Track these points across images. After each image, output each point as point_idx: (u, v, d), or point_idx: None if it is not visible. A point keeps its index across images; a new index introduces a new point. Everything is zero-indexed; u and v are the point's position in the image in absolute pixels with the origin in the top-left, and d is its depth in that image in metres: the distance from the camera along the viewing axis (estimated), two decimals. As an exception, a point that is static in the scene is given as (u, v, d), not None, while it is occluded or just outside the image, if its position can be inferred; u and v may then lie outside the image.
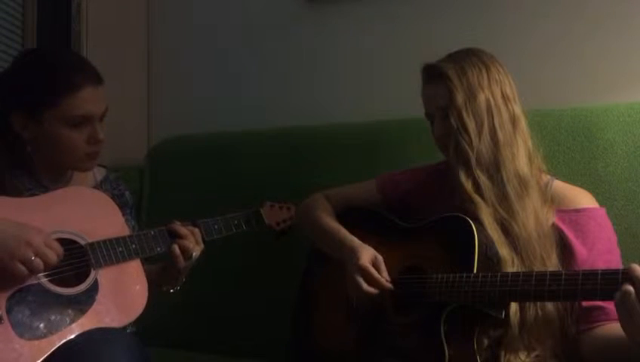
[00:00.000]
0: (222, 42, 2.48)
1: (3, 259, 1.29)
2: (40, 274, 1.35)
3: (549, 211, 1.44)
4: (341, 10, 2.27)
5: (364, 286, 1.42)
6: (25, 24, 2.36)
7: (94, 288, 1.42)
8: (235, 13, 2.47)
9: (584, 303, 1.35)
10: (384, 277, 1.44)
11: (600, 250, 1.39)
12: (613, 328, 1.25)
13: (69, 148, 1.51)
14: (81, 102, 1.49)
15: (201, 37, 2.53)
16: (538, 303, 1.36)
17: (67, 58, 1.59)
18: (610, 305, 1.27)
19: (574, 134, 1.72)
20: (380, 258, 1.46)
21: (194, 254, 1.58)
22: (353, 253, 1.47)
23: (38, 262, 1.31)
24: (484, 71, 1.45)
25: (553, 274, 1.26)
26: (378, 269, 1.45)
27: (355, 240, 1.51)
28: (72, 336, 1.33)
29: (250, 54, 2.43)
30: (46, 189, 1.54)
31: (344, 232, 1.55)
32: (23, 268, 1.30)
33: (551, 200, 1.45)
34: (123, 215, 1.59)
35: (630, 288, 1.12)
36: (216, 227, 1.69)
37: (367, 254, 1.46)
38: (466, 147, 1.42)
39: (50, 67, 1.52)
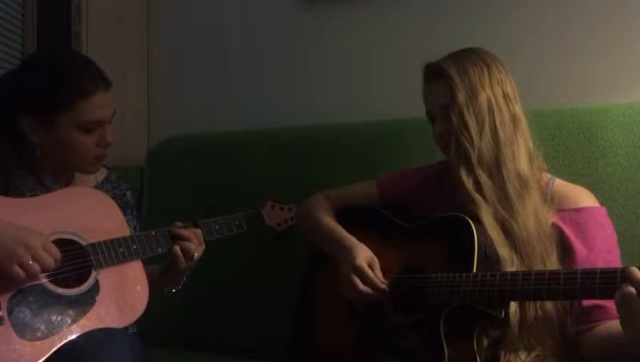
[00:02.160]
0: (222, 42, 2.48)
1: (3, 262, 1.29)
2: (41, 275, 1.35)
3: (549, 211, 1.44)
4: (341, 10, 2.27)
5: (360, 285, 1.43)
6: (25, 24, 2.36)
7: (95, 289, 1.42)
8: (235, 13, 2.47)
9: (584, 302, 1.35)
10: (379, 278, 1.44)
11: (600, 249, 1.39)
12: (615, 325, 1.25)
13: (80, 151, 1.52)
14: (94, 107, 1.50)
15: (201, 37, 2.53)
16: (538, 303, 1.36)
17: (79, 63, 1.58)
18: (610, 304, 1.26)
19: (574, 134, 1.72)
20: (375, 260, 1.47)
21: (195, 255, 1.58)
22: (350, 252, 1.47)
23: (35, 266, 1.31)
24: (485, 70, 1.46)
25: (552, 273, 1.26)
26: (373, 270, 1.45)
27: (353, 240, 1.51)
28: (73, 337, 1.33)
29: (250, 54, 2.43)
30: (48, 189, 1.54)
31: (342, 231, 1.56)
32: (20, 271, 1.30)
33: (551, 199, 1.46)
34: (124, 215, 1.59)
35: (632, 289, 1.12)
36: (217, 227, 1.69)
37: (363, 254, 1.46)
38: (467, 146, 1.42)
39: (62, 72, 1.52)
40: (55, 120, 1.49)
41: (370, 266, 1.45)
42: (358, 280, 1.43)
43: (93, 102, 1.49)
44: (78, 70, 1.53)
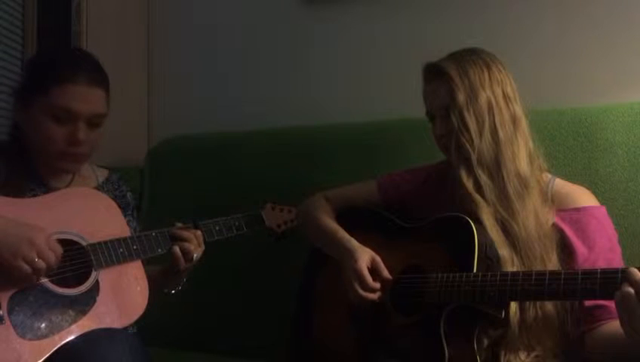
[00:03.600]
0: (222, 42, 2.48)
1: (6, 258, 1.29)
2: (42, 274, 1.35)
3: (549, 211, 1.44)
4: (340, 10, 2.27)
5: (360, 291, 1.43)
6: (25, 24, 2.35)
7: (95, 289, 1.42)
8: (235, 13, 2.47)
9: (587, 302, 1.35)
10: (385, 276, 1.45)
11: (601, 248, 1.39)
12: (617, 325, 1.24)
13: (46, 140, 1.49)
14: (67, 96, 1.47)
15: (201, 37, 2.53)
16: (538, 303, 1.36)
17: (72, 54, 1.60)
18: (612, 304, 1.26)
19: (574, 134, 1.72)
20: (377, 259, 1.47)
21: (195, 256, 1.58)
22: (351, 256, 1.47)
23: (41, 263, 1.31)
24: (485, 70, 1.46)
25: (552, 273, 1.26)
26: (377, 270, 1.46)
27: (353, 242, 1.51)
28: (73, 337, 1.34)
29: (250, 54, 2.43)
30: (48, 190, 1.54)
31: (342, 233, 1.56)
32: (27, 267, 1.30)
33: (551, 199, 1.46)
34: (125, 216, 1.59)
35: (630, 290, 1.12)
36: (217, 228, 1.69)
37: (364, 257, 1.46)
38: (467, 146, 1.42)
39: (50, 58, 1.54)
40: (32, 101, 1.49)
41: (373, 267, 1.46)
42: (357, 286, 1.43)
43: (69, 91, 1.47)
44: (65, 59, 1.53)
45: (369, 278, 1.43)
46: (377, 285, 1.44)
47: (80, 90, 1.48)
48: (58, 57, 1.55)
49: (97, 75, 1.53)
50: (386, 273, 1.45)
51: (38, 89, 1.48)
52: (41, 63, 1.54)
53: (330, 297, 1.59)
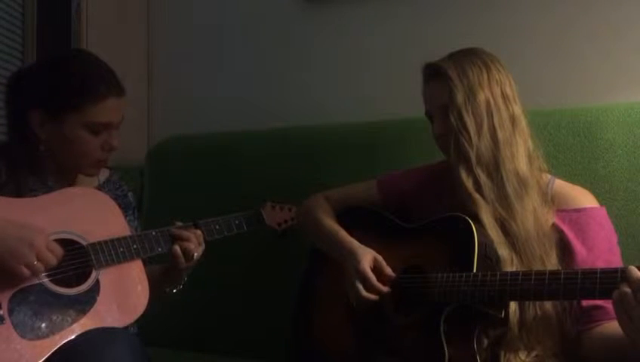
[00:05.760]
0: (222, 42, 2.49)
1: (6, 260, 1.29)
2: (42, 275, 1.36)
3: (549, 211, 1.44)
4: (341, 10, 2.27)
5: (363, 292, 1.43)
6: (25, 24, 2.36)
7: (95, 288, 1.42)
8: (235, 13, 2.47)
9: (584, 303, 1.35)
10: (388, 274, 1.45)
11: (600, 249, 1.39)
12: (614, 326, 1.25)
13: (84, 151, 1.53)
14: (105, 110, 1.51)
15: (201, 37, 2.53)
16: (537, 303, 1.36)
17: (97, 66, 1.58)
18: (609, 304, 1.27)
19: (574, 134, 1.72)
20: (379, 258, 1.47)
21: (195, 255, 1.58)
22: (353, 256, 1.47)
23: (40, 266, 1.32)
24: (484, 70, 1.46)
25: (552, 273, 1.26)
26: (380, 269, 1.46)
27: (354, 243, 1.51)
28: (74, 336, 1.34)
29: (250, 54, 2.43)
30: (50, 189, 1.54)
31: (343, 234, 1.56)
32: (26, 270, 1.30)
33: (551, 200, 1.46)
34: (126, 216, 1.59)
35: (628, 289, 1.12)
36: (217, 227, 1.69)
37: (366, 257, 1.46)
38: (466, 146, 1.42)
39: (77, 73, 1.53)
40: (64, 117, 1.50)
41: (376, 267, 1.46)
42: (361, 287, 1.43)
43: (104, 105, 1.50)
44: (93, 73, 1.54)
45: (373, 279, 1.43)
46: (381, 286, 1.44)
47: (114, 103, 1.52)
48: (87, 73, 1.53)
49: (120, 85, 1.56)
50: (389, 270, 1.45)
51: (72, 106, 1.49)
52: (68, 80, 1.52)
53: (331, 297, 1.59)
